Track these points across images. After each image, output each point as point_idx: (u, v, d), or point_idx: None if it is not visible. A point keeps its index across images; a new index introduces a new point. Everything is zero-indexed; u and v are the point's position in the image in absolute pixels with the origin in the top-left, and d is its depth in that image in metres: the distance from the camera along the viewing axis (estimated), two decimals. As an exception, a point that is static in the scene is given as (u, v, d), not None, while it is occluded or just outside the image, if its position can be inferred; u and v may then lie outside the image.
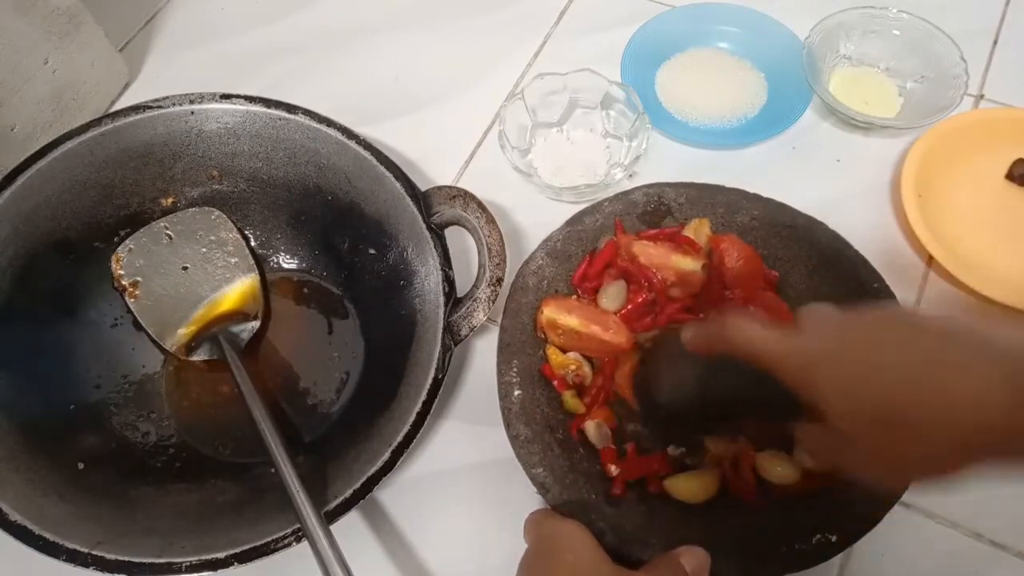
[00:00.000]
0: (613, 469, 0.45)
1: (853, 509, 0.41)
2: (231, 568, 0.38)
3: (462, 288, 0.46)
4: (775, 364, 0.34)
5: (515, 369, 0.46)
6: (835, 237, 0.49)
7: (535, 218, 0.57)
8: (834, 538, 0.40)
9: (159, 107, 0.49)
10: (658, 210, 0.52)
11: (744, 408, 0.41)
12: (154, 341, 0.51)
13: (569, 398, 0.47)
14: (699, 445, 0.46)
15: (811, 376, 0.33)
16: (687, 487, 0.44)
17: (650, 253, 0.49)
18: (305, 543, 0.38)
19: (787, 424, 0.38)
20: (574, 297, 0.50)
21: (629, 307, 0.49)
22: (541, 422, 0.45)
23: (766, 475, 0.44)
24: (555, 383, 0.47)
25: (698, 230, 0.51)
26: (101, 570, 0.38)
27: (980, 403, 0.28)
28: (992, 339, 0.29)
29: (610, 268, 0.50)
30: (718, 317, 0.39)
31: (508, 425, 0.44)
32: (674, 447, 0.46)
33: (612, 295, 0.49)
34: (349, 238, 0.52)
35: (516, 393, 0.45)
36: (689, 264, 0.48)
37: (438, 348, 0.43)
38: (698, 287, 0.49)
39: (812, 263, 0.50)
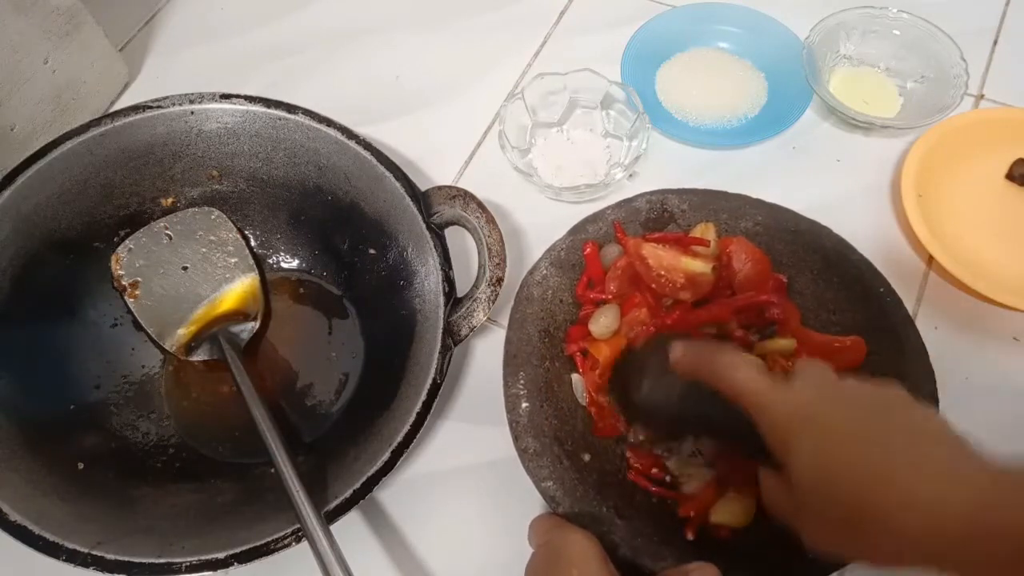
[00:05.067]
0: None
1: None
2: (231, 568, 0.38)
3: (462, 288, 0.46)
4: (755, 411, 0.34)
5: (522, 381, 0.46)
6: (839, 241, 0.49)
7: (535, 218, 0.57)
8: None
9: (159, 107, 0.49)
10: (661, 217, 0.52)
11: (716, 431, 0.41)
12: (154, 341, 0.51)
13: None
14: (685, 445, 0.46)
15: (786, 435, 0.33)
16: (731, 512, 0.43)
17: (660, 255, 0.49)
18: (305, 543, 0.38)
19: (752, 458, 0.38)
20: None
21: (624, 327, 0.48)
22: (549, 434, 0.44)
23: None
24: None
25: (703, 235, 0.51)
26: (101, 570, 0.38)
27: (936, 511, 0.28)
28: (969, 451, 0.30)
29: (615, 268, 0.50)
30: (713, 344, 0.38)
31: (516, 438, 0.44)
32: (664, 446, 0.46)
33: (604, 321, 0.48)
34: (349, 238, 0.52)
35: (524, 406, 0.45)
36: (699, 266, 0.48)
37: (438, 348, 0.43)
38: (708, 289, 0.48)
39: (817, 268, 0.49)
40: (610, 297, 0.49)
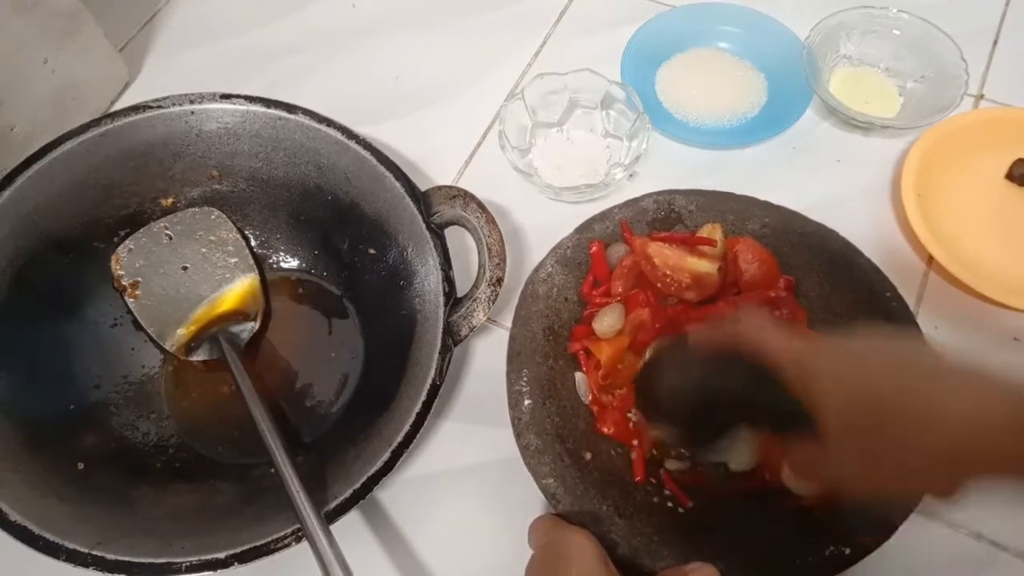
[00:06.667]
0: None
1: (867, 520, 0.40)
2: (231, 568, 0.38)
3: (462, 288, 0.46)
4: (780, 357, 0.35)
5: (525, 378, 0.46)
6: (846, 245, 0.49)
7: (535, 218, 0.57)
8: (847, 550, 0.40)
9: (159, 107, 0.49)
10: (668, 217, 0.52)
11: (742, 414, 0.41)
12: (154, 341, 0.51)
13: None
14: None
15: (813, 372, 0.34)
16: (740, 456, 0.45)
17: (665, 254, 0.49)
18: (305, 543, 0.38)
19: (782, 434, 0.38)
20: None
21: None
22: (552, 432, 0.44)
23: (790, 484, 0.42)
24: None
25: (710, 236, 0.50)
26: (101, 570, 0.38)
27: (977, 420, 0.29)
28: (993, 372, 0.31)
29: (621, 267, 0.50)
30: (731, 315, 0.40)
31: (518, 435, 0.44)
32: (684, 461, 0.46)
33: (609, 320, 0.48)
34: (349, 238, 0.52)
35: (526, 403, 0.45)
36: (705, 266, 0.48)
37: (438, 348, 0.43)
38: (713, 290, 0.48)
39: (823, 271, 0.49)
40: (616, 298, 0.49)
